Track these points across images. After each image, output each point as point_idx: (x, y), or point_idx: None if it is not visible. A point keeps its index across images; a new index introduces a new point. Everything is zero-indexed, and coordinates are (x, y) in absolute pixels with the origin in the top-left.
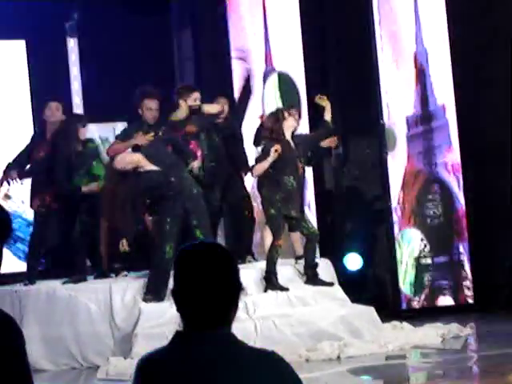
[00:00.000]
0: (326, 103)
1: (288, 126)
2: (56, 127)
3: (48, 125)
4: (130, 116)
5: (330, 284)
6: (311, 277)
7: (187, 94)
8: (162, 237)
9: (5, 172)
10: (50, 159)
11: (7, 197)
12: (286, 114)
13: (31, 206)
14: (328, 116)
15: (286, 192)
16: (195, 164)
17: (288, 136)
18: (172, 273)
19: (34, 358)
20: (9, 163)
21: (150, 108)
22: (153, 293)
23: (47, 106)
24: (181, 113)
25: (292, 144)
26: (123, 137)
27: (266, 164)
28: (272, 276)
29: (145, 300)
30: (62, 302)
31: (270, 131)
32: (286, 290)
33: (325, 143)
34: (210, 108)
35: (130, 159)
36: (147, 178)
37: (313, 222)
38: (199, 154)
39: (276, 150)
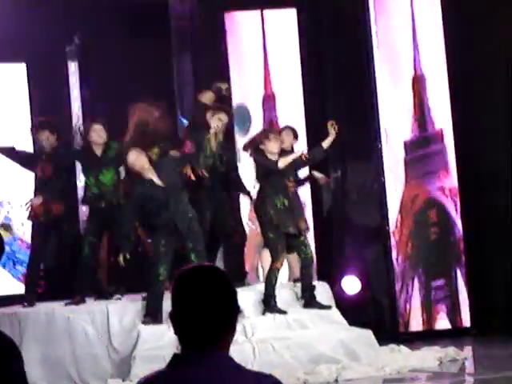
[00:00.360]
0: (333, 132)
1: (269, 150)
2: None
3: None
4: None
5: (328, 307)
6: (309, 300)
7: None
8: (156, 259)
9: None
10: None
11: (7, 227)
12: (263, 138)
13: (30, 214)
14: (326, 144)
15: (280, 212)
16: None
17: (273, 157)
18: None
19: (33, 379)
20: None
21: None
22: (150, 315)
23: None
24: (208, 97)
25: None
26: None
27: (291, 157)
28: (270, 299)
29: (143, 322)
30: (61, 323)
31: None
32: (284, 313)
33: (319, 176)
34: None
35: (140, 161)
36: (147, 186)
37: (311, 245)
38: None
39: (302, 154)
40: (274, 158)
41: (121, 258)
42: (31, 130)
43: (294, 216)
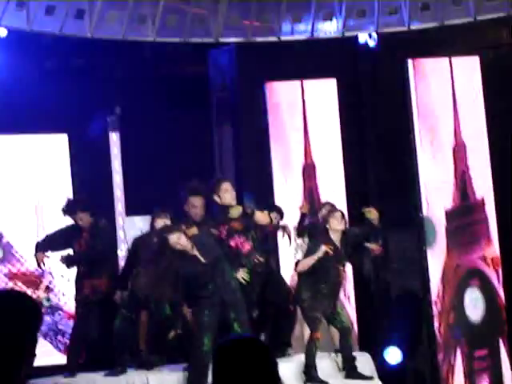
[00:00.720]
0: (373, 215)
1: (333, 228)
2: None
3: None
4: (176, 212)
5: (370, 378)
6: (349, 371)
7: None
8: (200, 329)
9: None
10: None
11: (48, 289)
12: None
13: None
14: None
15: (317, 295)
16: (240, 273)
17: (335, 238)
18: (210, 366)
19: None
20: (38, 242)
21: (194, 205)
22: None
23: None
24: (236, 211)
25: (338, 246)
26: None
27: (311, 261)
28: (311, 369)
29: None
30: None
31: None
32: (326, 383)
33: (372, 246)
34: (261, 217)
35: (182, 241)
36: (191, 263)
37: (351, 315)
38: (247, 248)
39: (327, 250)
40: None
41: (172, 334)
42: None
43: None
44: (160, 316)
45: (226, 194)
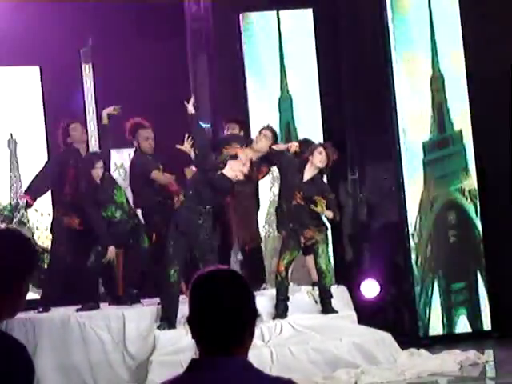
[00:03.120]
0: (321, 209)
1: (314, 163)
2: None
3: (69, 149)
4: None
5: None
6: (324, 305)
7: None
8: (166, 260)
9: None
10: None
11: (21, 223)
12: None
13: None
14: (328, 214)
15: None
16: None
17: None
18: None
19: None
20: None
21: (147, 137)
22: (165, 320)
23: (73, 126)
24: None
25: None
26: None
27: None
28: (279, 304)
29: (158, 327)
30: (76, 330)
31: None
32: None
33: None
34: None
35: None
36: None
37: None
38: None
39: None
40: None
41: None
42: (62, 127)
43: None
44: (139, 248)
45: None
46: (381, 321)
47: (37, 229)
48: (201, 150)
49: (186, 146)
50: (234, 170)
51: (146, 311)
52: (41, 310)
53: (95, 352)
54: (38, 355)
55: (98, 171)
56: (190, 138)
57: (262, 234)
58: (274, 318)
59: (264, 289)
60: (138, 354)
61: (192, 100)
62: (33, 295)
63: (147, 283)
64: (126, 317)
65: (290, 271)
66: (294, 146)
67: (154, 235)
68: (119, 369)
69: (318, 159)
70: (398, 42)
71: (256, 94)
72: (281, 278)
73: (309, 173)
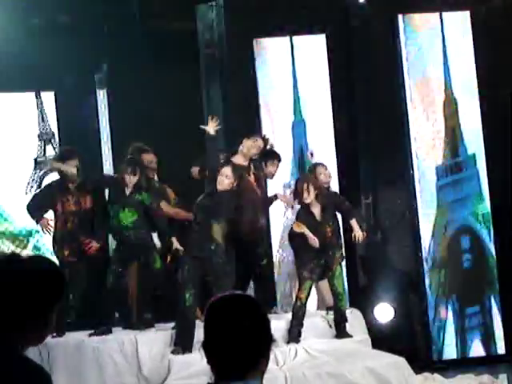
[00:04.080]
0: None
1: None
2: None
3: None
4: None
5: (351, 336)
6: (338, 330)
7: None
8: (181, 284)
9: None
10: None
11: (35, 248)
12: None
13: (58, 256)
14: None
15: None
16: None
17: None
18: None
19: None
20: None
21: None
22: (179, 344)
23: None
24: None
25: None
26: None
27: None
28: (294, 329)
29: (172, 352)
30: (90, 354)
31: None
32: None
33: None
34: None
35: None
36: None
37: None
38: None
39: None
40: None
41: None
42: (55, 159)
43: None
44: (151, 269)
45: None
46: (395, 345)
47: (51, 254)
48: (211, 174)
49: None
50: (222, 184)
51: (159, 335)
52: (55, 334)
53: (109, 376)
54: (53, 380)
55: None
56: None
57: (276, 258)
58: (288, 343)
59: (275, 312)
60: (152, 378)
61: (215, 121)
62: None
63: (161, 306)
64: (139, 341)
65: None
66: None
67: (168, 257)
68: None
69: (305, 196)
70: (410, 66)
71: (269, 118)
72: (300, 303)
73: (315, 209)
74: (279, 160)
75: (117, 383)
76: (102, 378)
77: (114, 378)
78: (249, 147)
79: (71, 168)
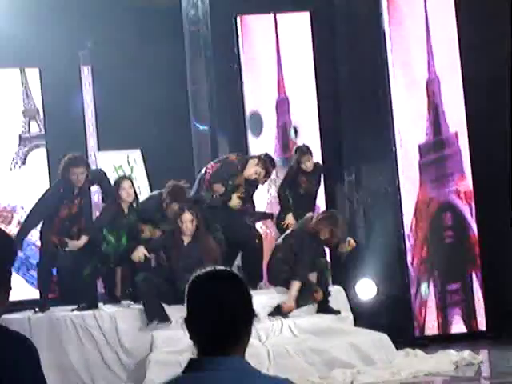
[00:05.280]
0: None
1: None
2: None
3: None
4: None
5: (338, 312)
6: (321, 305)
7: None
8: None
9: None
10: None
11: (20, 224)
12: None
13: (42, 239)
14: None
15: None
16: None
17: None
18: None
19: None
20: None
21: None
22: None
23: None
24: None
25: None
26: None
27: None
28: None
29: (151, 323)
30: (71, 329)
31: None
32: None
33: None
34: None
35: None
36: None
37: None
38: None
39: None
40: None
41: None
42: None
43: None
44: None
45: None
46: (377, 321)
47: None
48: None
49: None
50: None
51: (136, 311)
52: (37, 310)
53: (90, 351)
54: None
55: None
56: None
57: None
58: (269, 315)
59: (260, 288)
60: (133, 354)
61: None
62: (31, 296)
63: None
64: (118, 317)
65: None
66: None
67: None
68: (115, 368)
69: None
70: (394, 45)
71: (253, 96)
72: None
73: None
74: (274, 167)
75: (97, 358)
76: (83, 354)
77: (96, 354)
78: (250, 174)
79: (78, 175)
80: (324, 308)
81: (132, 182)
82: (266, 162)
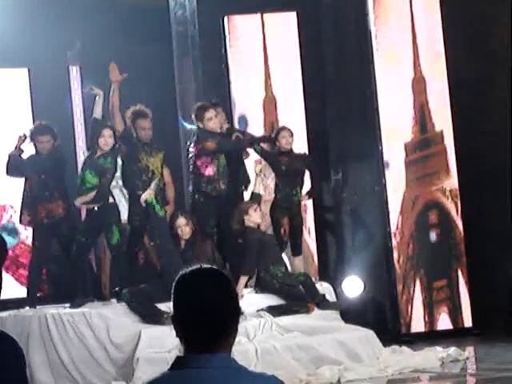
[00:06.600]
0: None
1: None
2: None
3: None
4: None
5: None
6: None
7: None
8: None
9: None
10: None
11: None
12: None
13: (21, 221)
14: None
15: None
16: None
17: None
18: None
19: (40, 382)
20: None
21: (144, 127)
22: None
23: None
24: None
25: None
26: None
27: None
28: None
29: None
30: (61, 327)
31: None
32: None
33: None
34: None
35: None
36: None
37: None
38: (210, 172)
39: None
40: None
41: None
42: (31, 133)
43: None
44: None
45: (209, 122)
46: (363, 318)
47: (25, 228)
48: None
49: None
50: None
51: (125, 307)
52: (27, 308)
53: (80, 349)
54: (28, 352)
55: None
56: None
57: None
58: (258, 311)
59: (250, 286)
60: (123, 350)
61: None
62: (21, 294)
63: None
64: (110, 313)
65: None
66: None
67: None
68: (105, 364)
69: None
70: (380, 44)
71: (240, 95)
72: None
73: None
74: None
75: (85, 356)
76: (74, 352)
77: (85, 352)
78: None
79: (44, 144)
80: (325, 305)
81: (114, 132)
82: (209, 104)
